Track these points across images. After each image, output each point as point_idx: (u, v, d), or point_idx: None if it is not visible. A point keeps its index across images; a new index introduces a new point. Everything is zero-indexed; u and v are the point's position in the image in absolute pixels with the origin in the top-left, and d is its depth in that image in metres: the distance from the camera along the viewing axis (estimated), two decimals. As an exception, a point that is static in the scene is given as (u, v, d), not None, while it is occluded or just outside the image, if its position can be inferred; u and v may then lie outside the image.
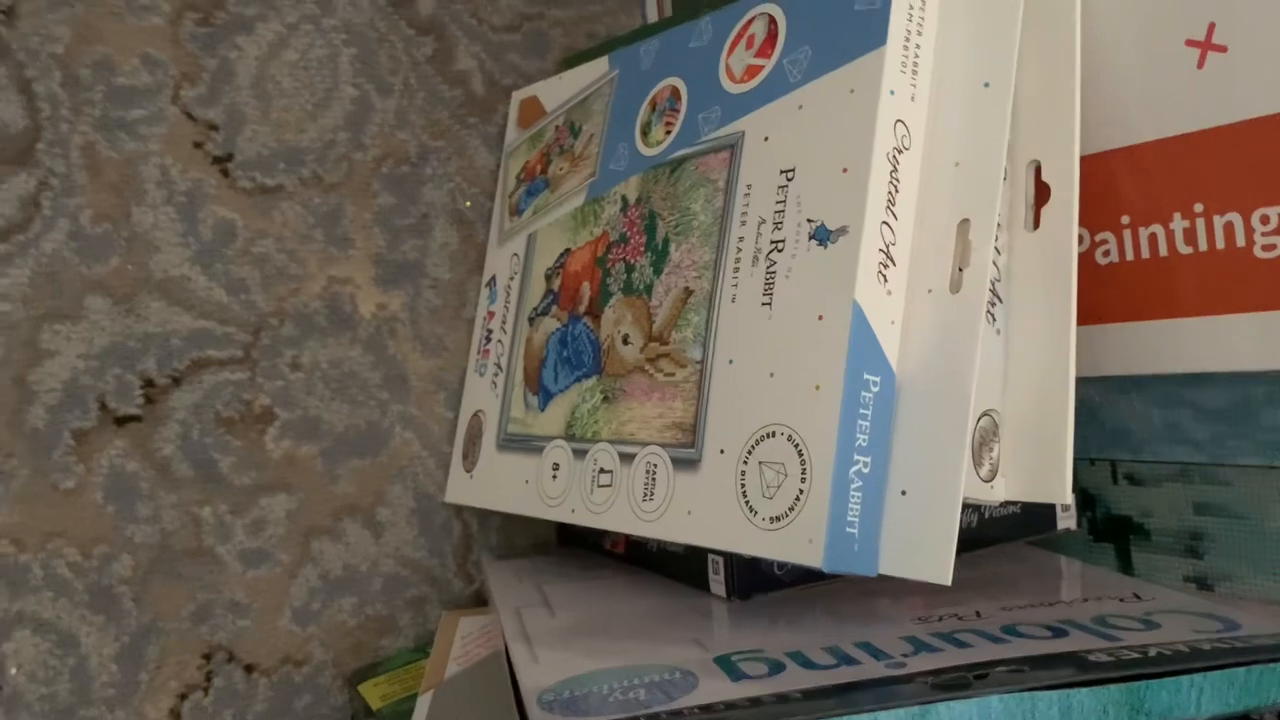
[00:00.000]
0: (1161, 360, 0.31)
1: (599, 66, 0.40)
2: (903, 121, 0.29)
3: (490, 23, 0.44)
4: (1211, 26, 0.29)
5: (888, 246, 0.28)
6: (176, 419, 0.39)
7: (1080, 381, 0.35)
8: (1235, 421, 0.32)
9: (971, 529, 0.36)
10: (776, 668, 0.25)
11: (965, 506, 0.34)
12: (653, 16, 0.48)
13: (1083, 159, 0.31)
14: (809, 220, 0.29)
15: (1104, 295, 0.32)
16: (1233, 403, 0.32)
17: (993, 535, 0.36)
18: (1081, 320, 0.32)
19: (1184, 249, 0.30)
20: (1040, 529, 0.37)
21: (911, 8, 0.29)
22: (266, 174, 0.41)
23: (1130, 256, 0.31)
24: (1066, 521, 0.38)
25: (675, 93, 0.36)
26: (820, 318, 0.28)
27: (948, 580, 0.25)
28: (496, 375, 0.41)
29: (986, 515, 0.36)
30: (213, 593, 0.39)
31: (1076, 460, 0.39)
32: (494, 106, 0.44)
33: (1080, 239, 0.32)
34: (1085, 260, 0.32)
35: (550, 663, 0.28)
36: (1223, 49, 0.29)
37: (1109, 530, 0.39)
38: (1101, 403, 0.35)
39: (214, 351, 0.39)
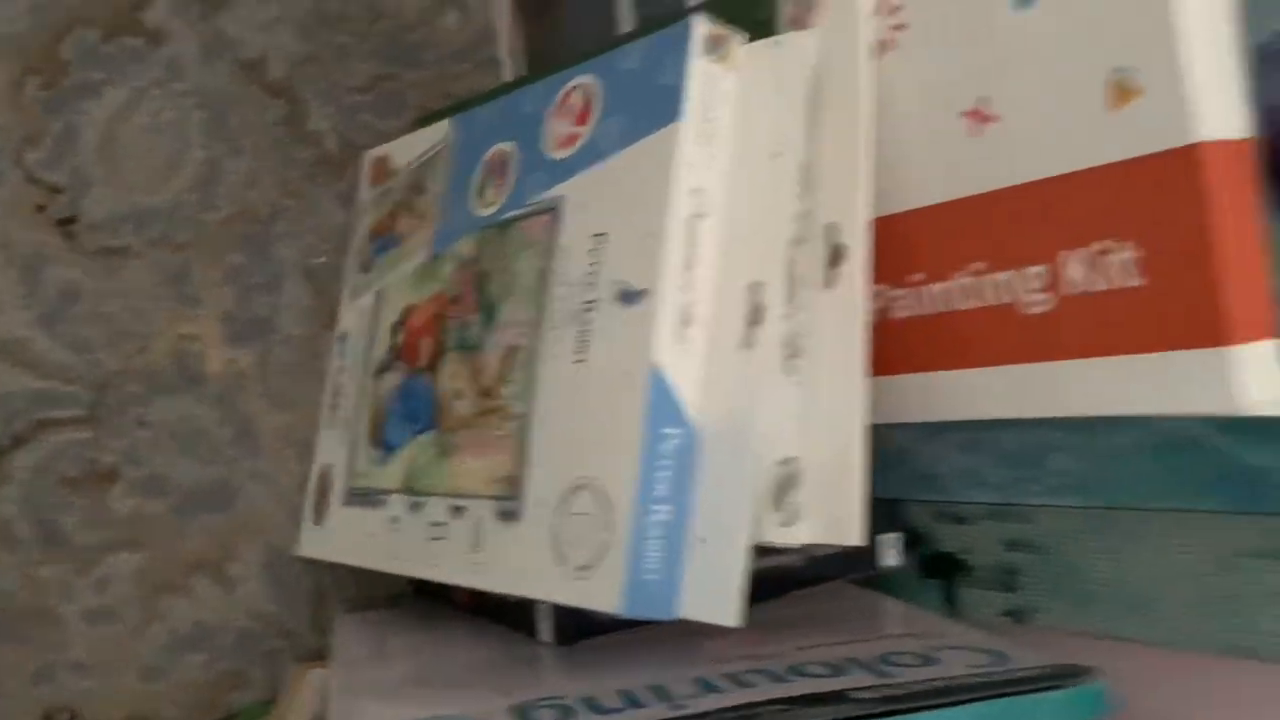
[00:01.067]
0: (952, 408, 0.33)
1: (443, 128, 0.42)
2: (701, 190, 0.31)
3: (344, 84, 0.46)
4: (985, 100, 0.31)
5: (686, 307, 0.30)
6: (18, 479, 0.39)
7: (891, 427, 0.37)
8: (1026, 465, 0.34)
9: (796, 568, 0.37)
10: (567, 714, 0.26)
11: (778, 549, 0.35)
12: (505, 74, 0.50)
13: (877, 221, 0.33)
14: (616, 282, 0.31)
15: (901, 347, 0.34)
16: (1023, 447, 0.34)
17: (817, 574, 0.38)
18: (882, 371, 0.34)
19: (967, 305, 0.32)
20: (864, 568, 0.39)
21: (709, 84, 0.31)
22: (113, 235, 0.41)
23: (922, 312, 0.33)
24: (890, 560, 0.40)
25: (507, 157, 0.38)
26: (625, 374, 0.30)
27: (734, 622, 0.27)
28: (345, 429, 0.42)
29: (811, 554, 0.38)
30: (55, 653, 0.39)
31: (900, 501, 0.41)
32: (347, 165, 0.45)
33: (877, 295, 0.34)
34: (883, 315, 0.34)
35: (367, 714, 0.29)
36: (996, 118, 0.31)
37: (935, 567, 0.41)
38: (912, 447, 0.37)
39: (57, 411, 0.40)
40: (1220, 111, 0.27)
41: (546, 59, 0.47)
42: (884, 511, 0.40)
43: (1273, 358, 0.27)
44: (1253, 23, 0.28)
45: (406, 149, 0.44)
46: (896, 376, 0.35)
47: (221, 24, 0.43)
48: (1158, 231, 0.28)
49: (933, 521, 0.40)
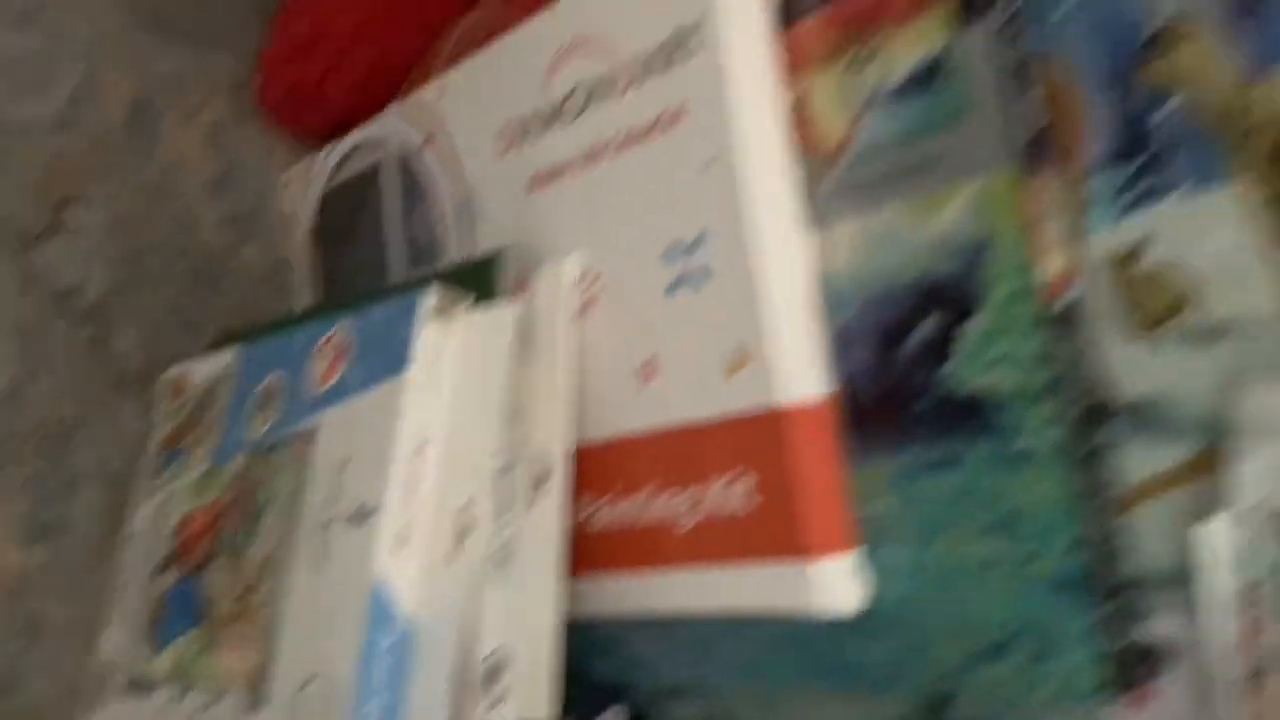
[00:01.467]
0: (636, 605, 0.40)
1: (232, 353, 0.49)
2: (423, 427, 0.38)
3: (150, 310, 0.52)
4: (652, 359, 0.40)
5: (406, 526, 0.37)
6: None
7: (600, 620, 0.44)
8: (704, 648, 0.42)
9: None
10: None
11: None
12: (300, 304, 0.57)
13: (578, 450, 0.41)
14: (352, 503, 0.38)
15: (597, 553, 0.41)
16: (703, 634, 0.41)
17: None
18: (582, 571, 0.42)
19: (641, 520, 0.40)
20: (584, 742, 0.45)
21: (436, 342, 0.39)
22: (-82, 444, 0.46)
23: (612, 524, 0.41)
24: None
25: (278, 386, 0.44)
26: (353, 582, 0.36)
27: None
28: (126, 624, 0.47)
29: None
30: None
31: (621, 685, 0.47)
32: (147, 383, 0.51)
33: (578, 509, 0.41)
34: (584, 526, 0.42)
35: None
36: (659, 374, 0.39)
37: (651, 738, 0.47)
38: (623, 637, 0.44)
39: None
40: (804, 378, 0.36)
41: (332, 290, 0.55)
42: (607, 692, 0.46)
43: (845, 570, 0.36)
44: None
45: (199, 370, 0.50)
46: (595, 576, 0.42)
47: (35, 259, 0.49)
48: (765, 467, 0.36)
49: (647, 700, 0.47)
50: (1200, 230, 0.31)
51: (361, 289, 0.52)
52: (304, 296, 0.56)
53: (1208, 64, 0.31)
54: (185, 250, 0.54)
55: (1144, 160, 0.32)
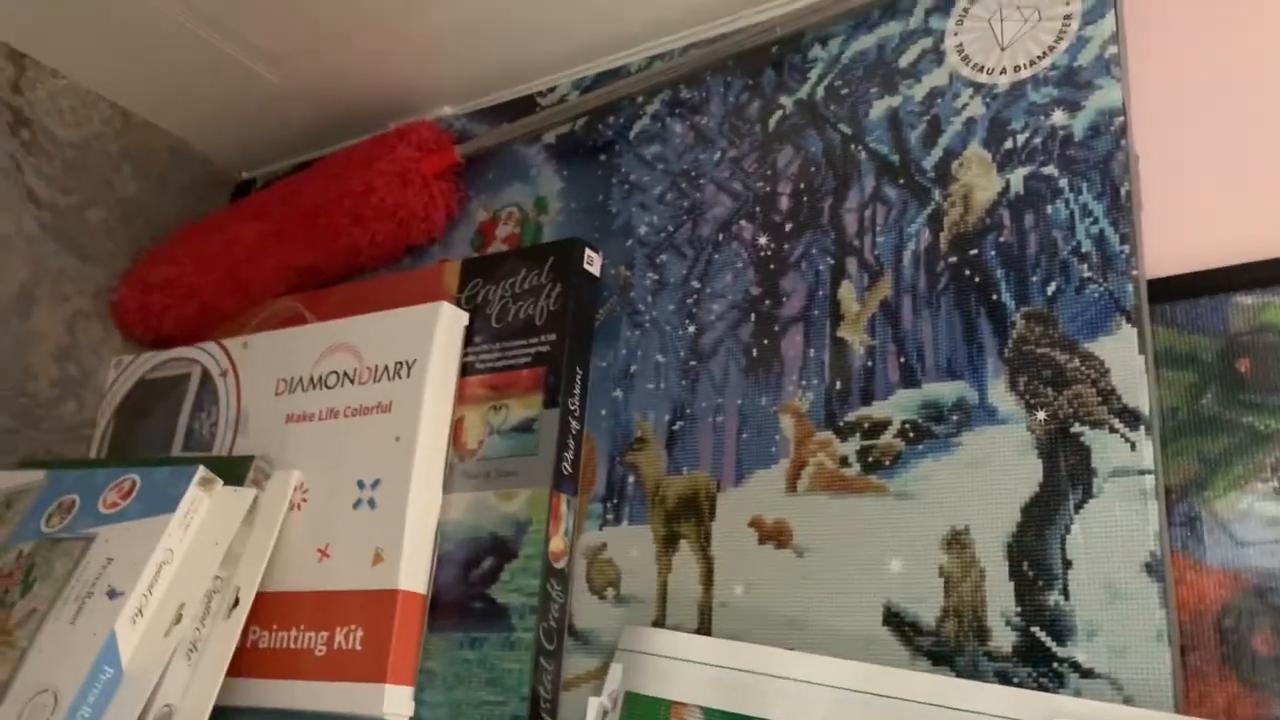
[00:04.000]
0: (278, 701, 0.62)
1: (39, 474, 0.69)
2: (171, 550, 0.60)
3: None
4: (327, 545, 0.63)
5: (141, 607, 0.58)
6: None
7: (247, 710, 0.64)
8: (305, 744, 0.63)
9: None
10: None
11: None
12: (93, 453, 0.78)
13: (265, 592, 0.63)
14: (109, 586, 0.59)
15: (257, 663, 0.63)
16: None
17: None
18: (246, 675, 0.63)
19: (293, 645, 0.62)
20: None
21: (195, 499, 0.62)
22: None
23: (271, 645, 0.63)
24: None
25: (74, 502, 0.65)
26: (94, 634, 0.57)
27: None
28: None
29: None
30: None
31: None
32: (-38, 478, 0.70)
33: (251, 631, 0.63)
34: (254, 643, 0.63)
35: None
36: (330, 555, 0.63)
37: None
38: (253, 729, 0.65)
39: None
40: (413, 577, 0.61)
41: (119, 451, 0.76)
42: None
43: (406, 696, 0.59)
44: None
45: (9, 479, 0.70)
46: (253, 679, 0.63)
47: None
48: (373, 626, 0.60)
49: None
50: (629, 545, 0.59)
51: (147, 455, 0.74)
52: (97, 449, 0.77)
53: (652, 460, 0.60)
54: (22, 394, 0.75)
55: (614, 501, 0.60)
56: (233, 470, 0.65)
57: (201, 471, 0.62)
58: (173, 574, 0.60)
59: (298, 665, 0.61)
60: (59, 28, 0.76)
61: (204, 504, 0.62)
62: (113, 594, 0.58)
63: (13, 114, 0.77)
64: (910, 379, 0.53)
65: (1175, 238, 0.51)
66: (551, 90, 0.76)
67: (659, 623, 0.56)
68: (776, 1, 0.67)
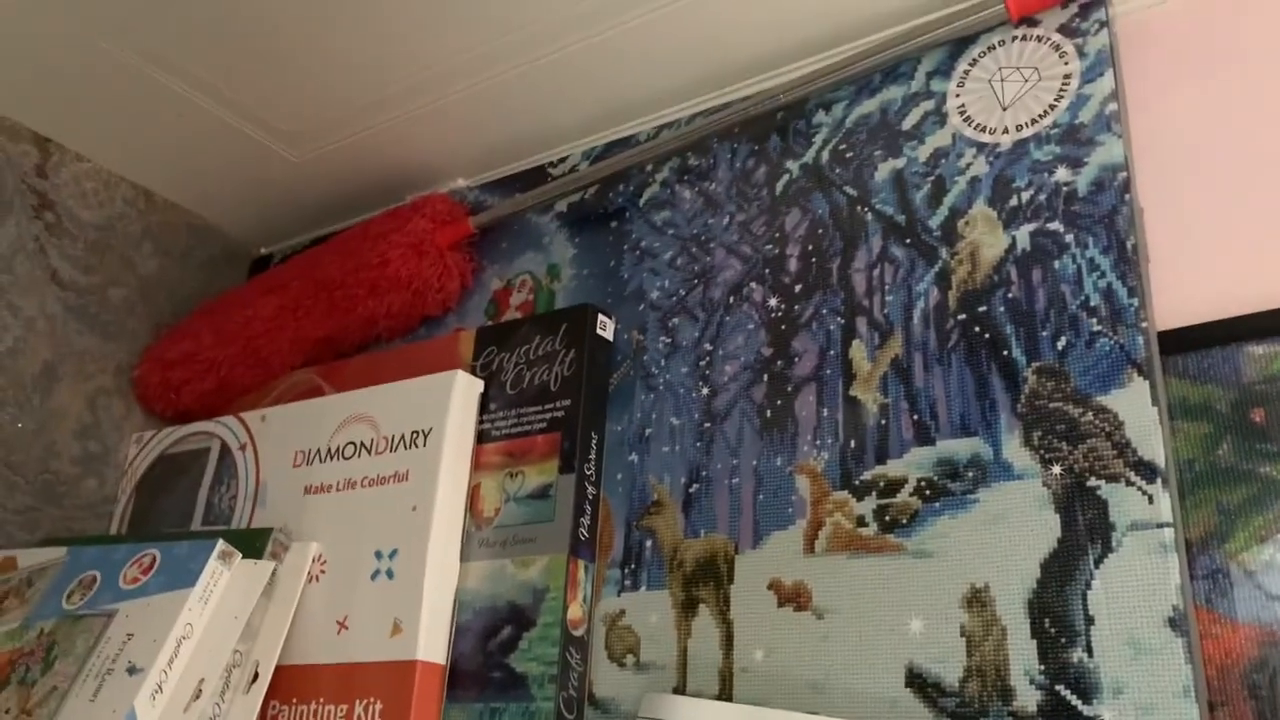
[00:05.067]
0: (290, 775, 0.61)
1: (60, 551, 0.69)
2: (190, 625, 0.60)
3: (3, 508, 0.72)
4: (345, 617, 0.63)
5: (160, 683, 0.58)
6: None
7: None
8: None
9: None
10: None
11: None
12: (113, 529, 0.78)
13: (284, 665, 0.63)
14: (129, 662, 0.59)
15: (275, 738, 0.63)
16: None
17: None
18: (263, 750, 0.62)
19: None
20: None
21: (215, 574, 0.62)
22: None
23: None
24: None
25: (95, 579, 0.65)
26: (114, 710, 0.57)
27: None
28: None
29: None
30: None
31: None
32: (-16, 557, 0.70)
33: (271, 705, 0.63)
34: (273, 718, 0.63)
35: None
36: (348, 628, 0.63)
37: None
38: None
39: None
40: (432, 648, 0.61)
41: (139, 526, 0.77)
42: None
43: (424, 767, 0.59)
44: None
45: (30, 556, 0.70)
46: (270, 755, 0.63)
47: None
48: (394, 698, 0.60)
49: None
50: (648, 610, 0.59)
51: (168, 530, 0.75)
52: (118, 525, 0.78)
53: (669, 524, 0.60)
54: (45, 470, 0.75)
55: (632, 566, 0.60)
56: (251, 543, 0.65)
57: (221, 545, 0.63)
58: (192, 649, 0.60)
59: (318, 739, 0.61)
60: (82, 113, 0.78)
61: (223, 578, 0.63)
62: (133, 670, 0.58)
63: (38, 198, 0.79)
64: (924, 436, 0.53)
65: (1184, 290, 0.51)
66: (563, 160, 0.78)
67: (679, 689, 0.56)
68: (781, 69, 0.68)
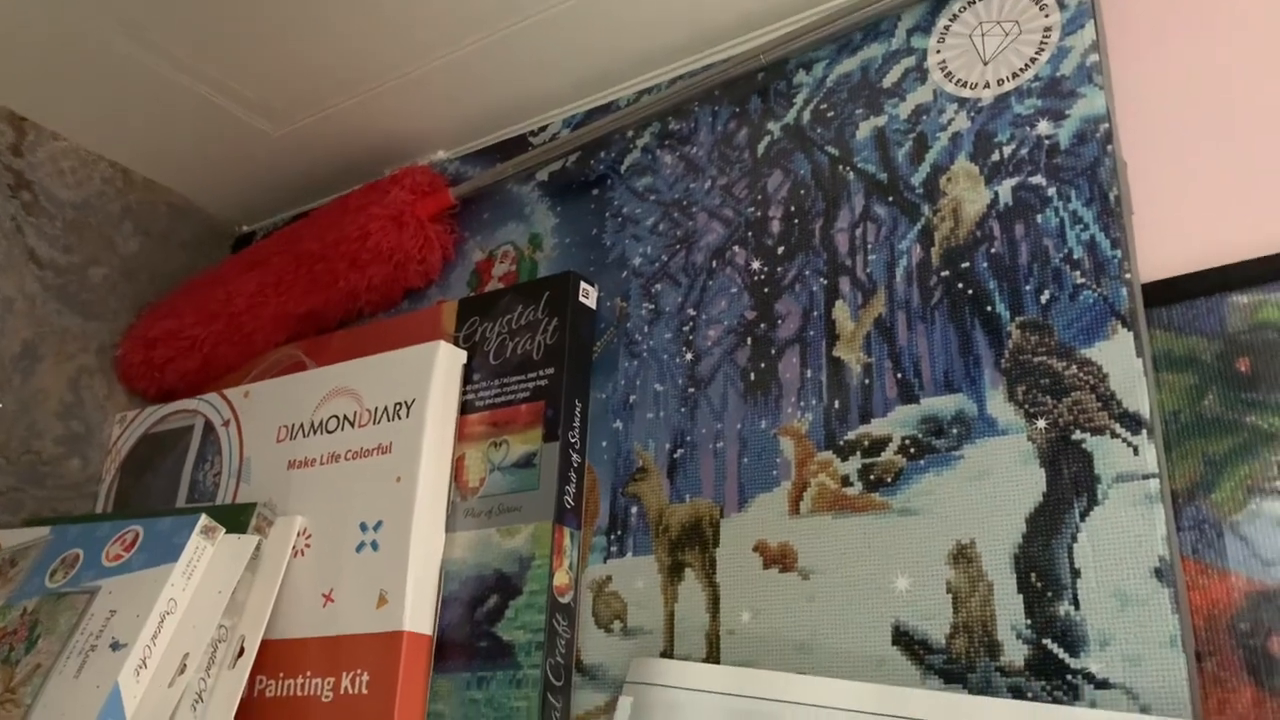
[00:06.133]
0: (278, 749, 0.61)
1: (43, 531, 0.69)
2: (173, 600, 0.60)
3: (-14, 487, 0.72)
4: (331, 590, 0.63)
5: (144, 658, 0.58)
6: None
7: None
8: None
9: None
10: None
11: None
12: (99, 509, 0.77)
13: (268, 640, 0.63)
14: (112, 638, 0.58)
15: (264, 712, 0.62)
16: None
17: None
18: (251, 724, 0.62)
19: (300, 693, 0.61)
20: None
21: (198, 548, 0.62)
22: None
23: (278, 694, 0.62)
24: None
25: (78, 557, 0.65)
26: (98, 687, 0.56)
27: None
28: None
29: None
30: None
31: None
32: (-33, 538, 0.70)
33: (258, 680, 0.63)
34: (260, 693, 0.63)
35: None
36: (334, 600, 0.63)
37: None
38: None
39: None
40: (418, 618, 0.60)
41: (126, 503, 0.76)
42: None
43: (412, 737, 0.58)
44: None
45: (12, 536, 0.70)
46: (258, 730, 0.62)
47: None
48: (381, 669, 0.59)
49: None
50: (634, 576, 0.58)
51: (152, 507, 0.74)
52: (103, 505, 0.77)
53: (654, 489, 0.60)
54: (27, 451, 0.75)
55: (618, 532, 0.60)
56: (235, 518, 0.65)
57: (204, 520, 0.62)
58: (176, 624, 0.60)
59: (305, 713, 0.61)
60: (58, 91, 0.77)
61: (207, 552, 0.62)
62: (116, 646, 0.58)
63: (14, 177, 0.78)
64: (908, 395, 0.53)
65: (1167, 241, 0.51)
66: (543, 129, 0.77)
67: (667, 653, 0.55)
68: (760, 30, 0.68)
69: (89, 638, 0.59)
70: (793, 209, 0.61)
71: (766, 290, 0.60)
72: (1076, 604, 0.45)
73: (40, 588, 0.64)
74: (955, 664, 0.47)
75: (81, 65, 0.73)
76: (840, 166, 0.60)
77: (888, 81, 0.61)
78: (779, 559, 0.54)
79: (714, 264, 0.63)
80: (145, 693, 0.57)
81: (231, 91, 0.76)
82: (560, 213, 0.73)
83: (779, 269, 0.60)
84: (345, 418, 0.68)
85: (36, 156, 0.80)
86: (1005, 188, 0.54)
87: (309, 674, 0.61)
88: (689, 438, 0.60)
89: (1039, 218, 0.52)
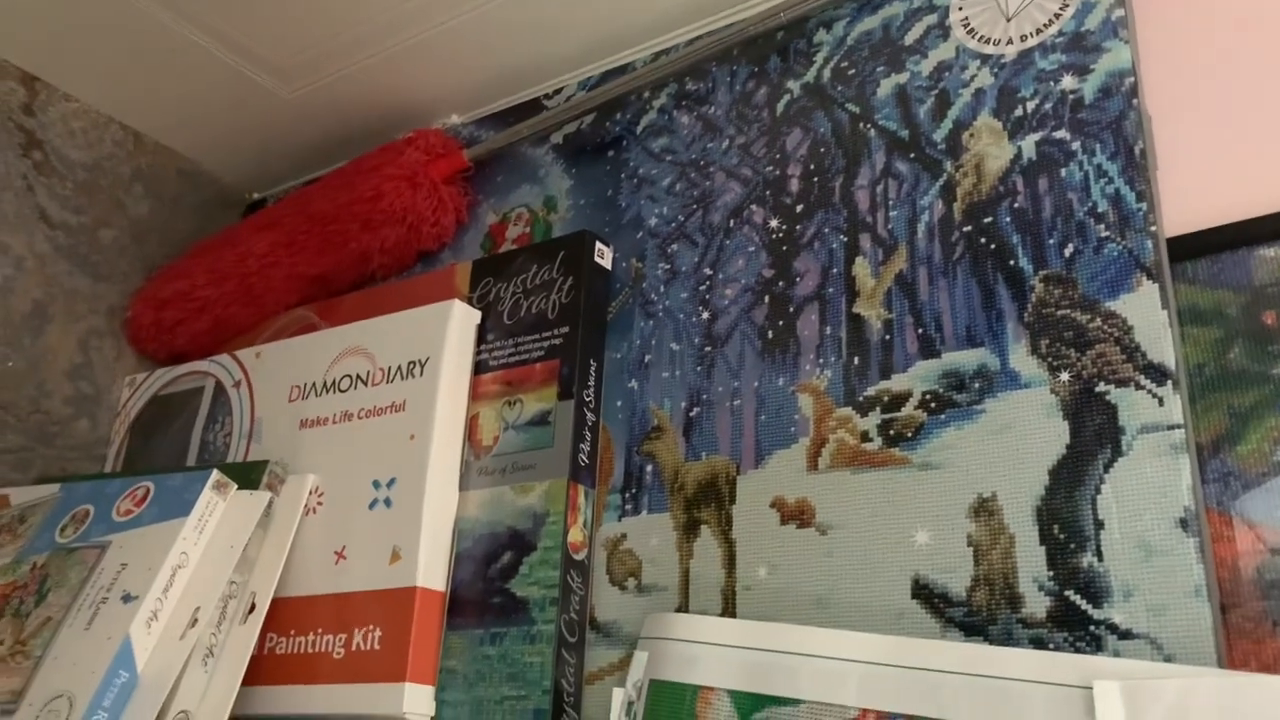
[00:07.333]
0: (295, 707, 0.61)
1: (53, 488, 0.68)
2: (185, 554, 0.59)
3: (-4, 445, 0.71)
4: (343, 547, 0.63)
5: (155, 611, 0.57)
6: None
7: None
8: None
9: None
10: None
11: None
12: (108, 468, 0.77)
13: (281, 597, 0.62)
14: (123, 590, 0.58)
15: (275, 669, 0.62)
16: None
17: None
18: (263, 682, 0.62)
19: (311, 650, 0.61)
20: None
21: (209, 504, 0.61)
22: None
23: (289, 650, 0.62)
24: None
25: (88, 512, 0.64)
26: (109, 638, 0.56)
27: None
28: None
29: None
30: None
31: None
32: (-23, 496, 0.69)
33: (269, 637, 0.62)
34: (270, 650, 0.62)
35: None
36: (345, 558, 0.62)
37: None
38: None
39: None
40: (431, 575, 0.60)
41: (135, 462, 0.76)
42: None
43: (427, 695, 0.58)
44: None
45: (23, 494, 0.69)
46: (271, 687, 0.62)
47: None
48: (392, 625, 0.59)
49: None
50: (649, 534, 0.58)
51: (163, 467, 0.74)
52: (112, 466, 0.77)
53: (669, 448, 0.59)
54: (36, 411, 0.74)
55: (633, 491, 0.59)
56: (247, 475, 0.64)
57: (215, 475, 0.62)
58: (187, 578, 0.59)
59: (316, 669, 0.60)
60: (70, 50, 0.76)
61: (218, 508, 0.62)
62: (127, 598, 0.57)
63: (25, 136, 0.78)
64: (929, 349, 0.53)
65: (1193, 195, 0.50)
66: (558, 92, 0.76)
67: (682, 610, 0.55)
68: (779, -10, 0.67)
69: (100, 590, 0.59)
70: (812, 167, 0.61)
71: (785, 248, 0.60)
72: (1100, 555, 0.45)
73: (50, 543, 0.64)
74: (976, 616, 0.47)
75: (93, 24, 0.73)
76: (861, 124, 0.60)
77: (909, 39, 0.60)
78: (796, 515, 0.53)
79: (731, 223, 0.63)
80: (156, 645, 0.57)
81: (243, 49, 0.76)
82: (575, 175, 0.72)
83: (798, 227, 0.60)
84: (358, 376, 0.67)
85: (48, 116, 0.79)
86: (1029, 142, 0.53)
87: (321, 630, 0.61)
88: (705, 396, 0.59)
89: (1063, 172, 0.52)
